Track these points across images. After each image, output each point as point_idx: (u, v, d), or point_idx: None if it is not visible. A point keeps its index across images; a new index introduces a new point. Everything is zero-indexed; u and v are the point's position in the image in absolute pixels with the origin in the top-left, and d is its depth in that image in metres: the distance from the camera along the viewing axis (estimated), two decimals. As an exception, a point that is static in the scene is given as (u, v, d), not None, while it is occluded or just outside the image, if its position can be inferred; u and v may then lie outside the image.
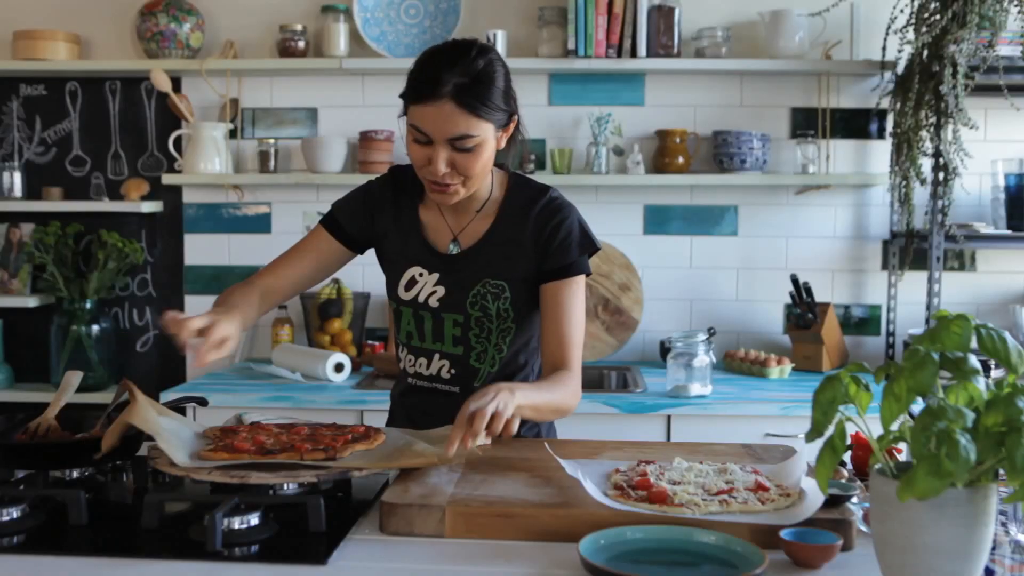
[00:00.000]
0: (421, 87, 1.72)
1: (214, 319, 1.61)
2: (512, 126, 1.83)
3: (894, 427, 1.19)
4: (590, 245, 1.90)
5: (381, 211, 1.96)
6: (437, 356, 1.94)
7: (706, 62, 3.42)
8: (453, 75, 1.69)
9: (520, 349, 1.95)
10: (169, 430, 1.56)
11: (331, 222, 1.96)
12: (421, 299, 1.91)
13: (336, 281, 3.55)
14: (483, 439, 1.78)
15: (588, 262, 1.91)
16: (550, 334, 1.87)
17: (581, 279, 1.90)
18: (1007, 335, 1.19)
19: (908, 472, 1.08)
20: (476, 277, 1.88)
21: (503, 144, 1.83)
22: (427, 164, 1.76)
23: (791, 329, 3.45)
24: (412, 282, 1.92)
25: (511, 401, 1.60)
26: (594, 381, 3.40)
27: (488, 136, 1.75)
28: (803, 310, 3.36)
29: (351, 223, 1.95)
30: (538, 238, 1.87)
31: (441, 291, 1.90)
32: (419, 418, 1.95)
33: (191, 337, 1.57)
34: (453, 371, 1.93)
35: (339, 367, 3.19)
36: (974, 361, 1.16)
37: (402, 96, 1.78)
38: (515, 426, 1.61)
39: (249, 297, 1.82)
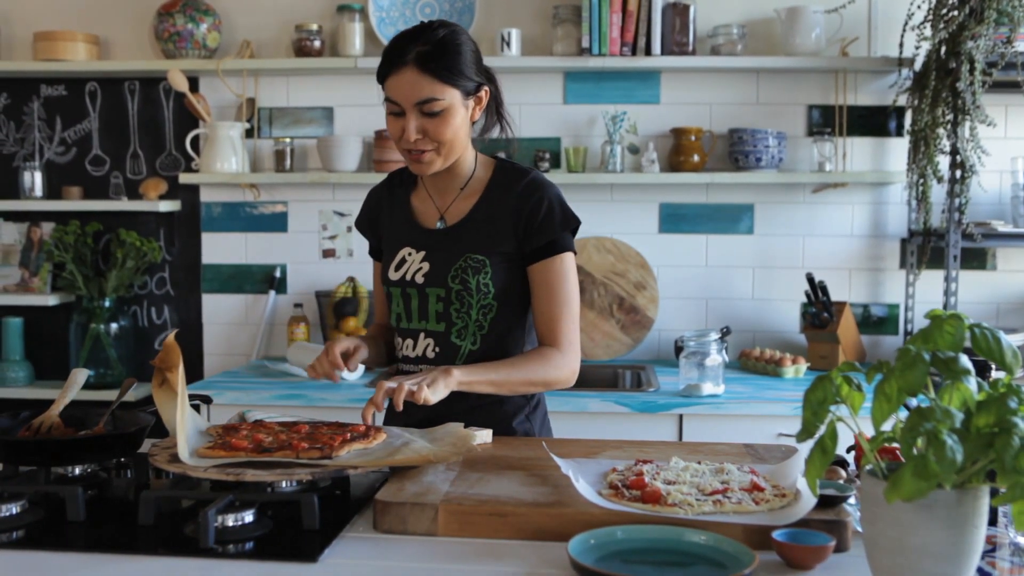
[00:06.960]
0: (388, 60, 1.85)
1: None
2: (484, 97, 1.91)
3: (887, 427, 1.18)
4: (570, 221, 1.94)
5: (380, 210, 2.10)
6: (422, 335, 1.97)
7: (722, 60, 3.40)
8: (415, 45, 1.83)
9: (504, 334, 1.95)
10: (190, 425, 1.60)
11: (372, 250, 2.13)
12: (408, 276, 1.97)
13: (351, 279, 3.57)
14: (483, 437, 1.78)
15: (571, 240, 1.95)
16: (540, 314, 1.94)
17: (567, 256, 1.93)
18: (1001, 335, 1.17)
19: (895, 473, 1.07)
20: (459, 251, 1.93)
21: (477, 116, 1.92)
22: (402, 135, 1.86)
23: (807, 328, 3.42)
24: (402, 262, 1.99)
25: (442, 382, 1.73)
26: (608, 380, 3.39)
27: (455, 102, 1.84)
28: (819, 309, 3.33)
29: (377, 240, 2.10)
30: (519, 215, 1.92)
31: (427, 267, 1.95)
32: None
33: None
34: (437, 350, 1.96)
35: (352, 365, 3.19)
36: (965, 361, 1.14)
37: (378, 80, 1.90)
38: (428, 399, 1.71)
39: (374, 332, 2.12)
